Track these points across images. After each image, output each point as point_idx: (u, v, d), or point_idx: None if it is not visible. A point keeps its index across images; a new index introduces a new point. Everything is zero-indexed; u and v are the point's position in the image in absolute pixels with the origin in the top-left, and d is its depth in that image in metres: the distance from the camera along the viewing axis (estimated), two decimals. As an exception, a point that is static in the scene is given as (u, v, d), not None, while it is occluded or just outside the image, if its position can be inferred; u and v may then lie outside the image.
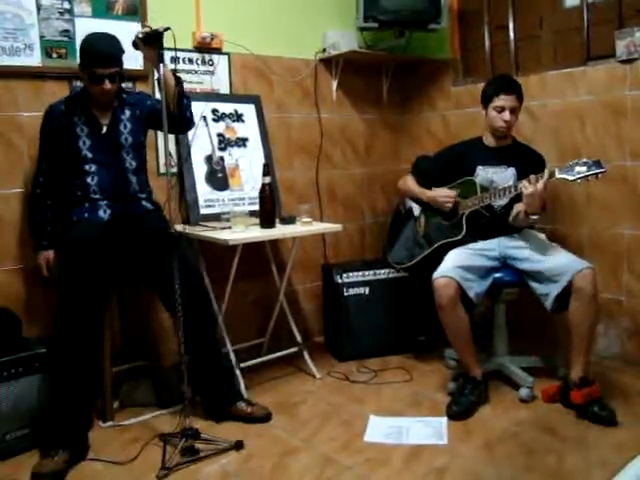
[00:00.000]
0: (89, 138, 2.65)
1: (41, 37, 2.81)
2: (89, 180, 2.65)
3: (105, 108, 2.68)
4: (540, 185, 2.67)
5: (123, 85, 2.75)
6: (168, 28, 2.34)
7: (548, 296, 2.75)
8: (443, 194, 3.06)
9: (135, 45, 2.42)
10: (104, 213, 2.67)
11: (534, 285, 2.82)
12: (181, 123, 2.73)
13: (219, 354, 2.86)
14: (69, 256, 2.54)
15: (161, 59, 2.36)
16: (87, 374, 2.49)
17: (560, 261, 2.76)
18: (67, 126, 2.63)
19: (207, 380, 2.76)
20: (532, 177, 2.69)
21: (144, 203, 2.79)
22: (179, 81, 2.62)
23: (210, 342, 2.77)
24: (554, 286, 2.72)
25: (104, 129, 2.68)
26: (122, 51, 2.58)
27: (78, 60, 2.59)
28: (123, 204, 2.71)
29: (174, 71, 2.63)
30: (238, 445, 2.48)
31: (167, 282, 2.46)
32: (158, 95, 2.64)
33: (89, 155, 2.65)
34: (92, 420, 2.64)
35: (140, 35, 2.40)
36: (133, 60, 2.86)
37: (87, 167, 2.65)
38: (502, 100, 2.93)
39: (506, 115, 2.93)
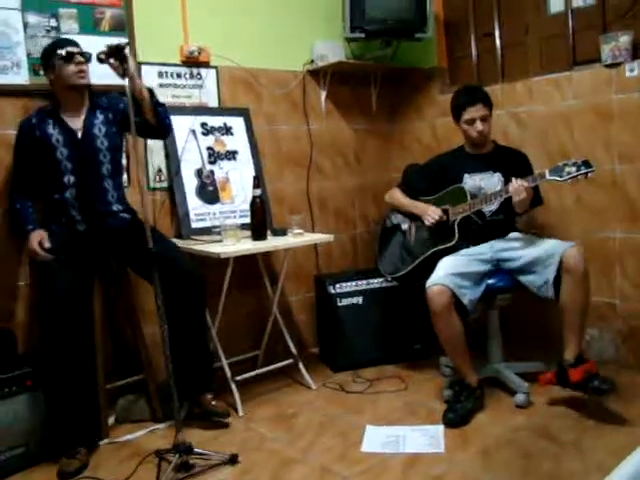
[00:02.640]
0: (66, 147, 2.65)
1: (28, 55, 2.81)
2: (67, 195, 2.65)
3: (76, 109, 2.69)
4: (529, 191, 2.74)
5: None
6: (128, 43, 2.42)
7: (546, 284, 2.75)
8: (431, 210, 3.06)
9: (100, 61, 2.42)
10: (81, 227, 2.70)
11: (530, 279, 2.82)
12: (161, 130, 2.74)
13: (204, 341, 2.88)
14: (47, 271, 2.57)
15: (125, 73, 2.38)
16: (83, 380, 2.57)
17: (548, 245, 2.81)
18: (42, 139, 2.63)
19: (185, 363, 2.73)
20: (519, 182, 2.72)
21: (121, 215, 2.79)
22: (151, 92, 2.65)
23: (196, 327, 2.78)
24: (548, 271, 2.73)
25: (79, 134, 2.68)
26: None
27: (45, 64, 2.65)
28: (99, 219, 2.72)
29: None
30: (233, 459, 2.47)
31: (148, 271, 2.48)
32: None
33: (69, 166, 2.65)
34: (99, 408, 2.73)
35: (102, 51, 2.40)
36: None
37: (66, 179, 2.65)
38: (470, 113, 2.97)
39: (478, 126, 2.97)
